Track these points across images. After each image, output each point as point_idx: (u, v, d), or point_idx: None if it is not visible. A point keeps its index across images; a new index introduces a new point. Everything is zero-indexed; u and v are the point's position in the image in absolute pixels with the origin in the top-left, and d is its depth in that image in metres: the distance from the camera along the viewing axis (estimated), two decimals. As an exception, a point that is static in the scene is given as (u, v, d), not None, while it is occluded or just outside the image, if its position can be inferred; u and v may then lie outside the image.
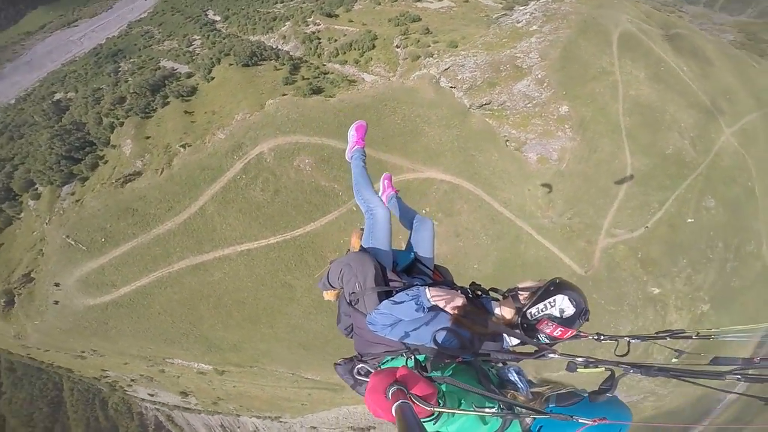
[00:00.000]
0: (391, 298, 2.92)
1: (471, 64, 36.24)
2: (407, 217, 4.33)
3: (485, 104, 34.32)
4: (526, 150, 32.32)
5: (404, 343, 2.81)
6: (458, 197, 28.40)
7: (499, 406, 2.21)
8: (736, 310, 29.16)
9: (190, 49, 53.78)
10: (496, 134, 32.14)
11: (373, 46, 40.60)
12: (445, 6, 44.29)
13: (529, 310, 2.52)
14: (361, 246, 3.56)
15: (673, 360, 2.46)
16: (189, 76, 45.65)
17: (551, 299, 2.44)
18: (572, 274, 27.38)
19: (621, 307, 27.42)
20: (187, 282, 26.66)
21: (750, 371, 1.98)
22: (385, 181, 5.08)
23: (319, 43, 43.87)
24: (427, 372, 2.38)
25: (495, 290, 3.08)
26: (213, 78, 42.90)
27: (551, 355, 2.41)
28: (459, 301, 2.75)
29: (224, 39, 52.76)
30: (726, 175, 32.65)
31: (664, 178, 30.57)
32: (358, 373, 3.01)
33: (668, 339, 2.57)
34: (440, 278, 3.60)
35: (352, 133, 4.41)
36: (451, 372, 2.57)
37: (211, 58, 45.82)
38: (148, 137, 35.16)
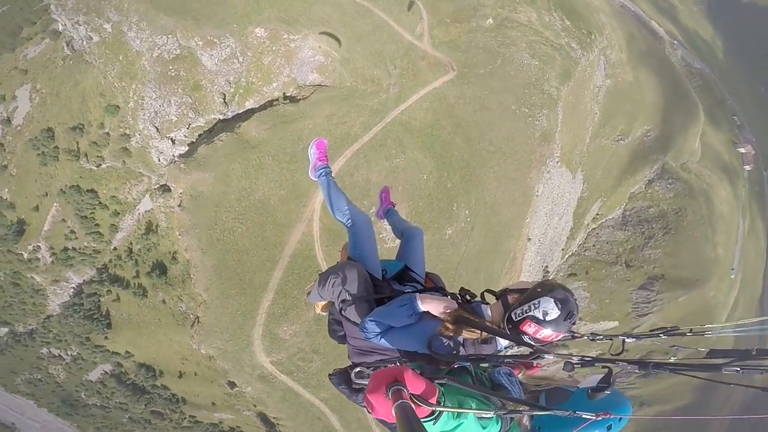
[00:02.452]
0: (383, 305, 2.92)
1: (150, 100, 27.40)
2: (399, 229, 4.36)
3: (224, 113, 27.41)
4: (302, 79, 26.47)
5: (398, 351, 2.82)
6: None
7: (500, 405, 2.18)
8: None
9: (71, 354, 45.78)
10: (286, 125, 26.03)
11: (99, 203, 31.17)
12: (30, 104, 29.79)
13: (514, 311, 2.53)
14: (348, 257, 3.54)
15: (672, 358, 2.27)
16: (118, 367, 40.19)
17: (536, 301, 2.43)
18: (451, 82, 25.79)
19: (533, 53, 26.75)
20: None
21: (748, 362, 1.93)
22: (383, 195, 5.01)
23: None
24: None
25: (490, 292, 3.02)
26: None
27: (546, 356, 2.33)
28: (450, 306, 2.74)
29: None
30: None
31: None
32: (359, 377, 2.97)
33: (662, 336, 2.42)
34: (432, 285, 3.55)
35: (312, 151, 4.19)
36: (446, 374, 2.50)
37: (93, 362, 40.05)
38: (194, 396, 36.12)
